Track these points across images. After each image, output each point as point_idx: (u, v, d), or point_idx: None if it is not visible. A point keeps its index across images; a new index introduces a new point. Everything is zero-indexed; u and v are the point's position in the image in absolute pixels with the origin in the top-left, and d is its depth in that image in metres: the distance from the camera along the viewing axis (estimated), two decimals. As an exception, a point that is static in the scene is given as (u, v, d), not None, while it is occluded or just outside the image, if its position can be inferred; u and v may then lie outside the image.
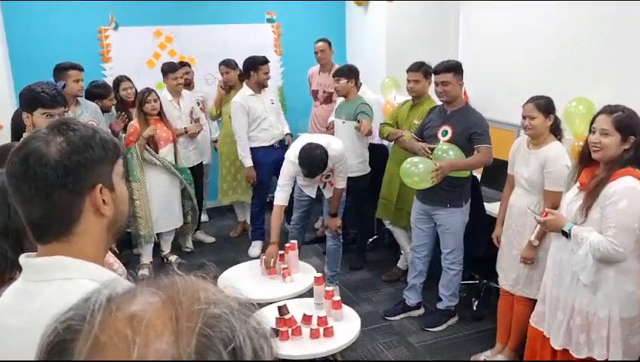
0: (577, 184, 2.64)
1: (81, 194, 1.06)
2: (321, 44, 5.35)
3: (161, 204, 4.66)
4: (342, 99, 4.72)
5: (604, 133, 2.48)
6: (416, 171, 3.57)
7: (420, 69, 4.19)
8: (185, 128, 4.95)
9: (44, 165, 1.01)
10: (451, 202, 3.69)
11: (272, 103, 5.05)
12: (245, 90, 4.91)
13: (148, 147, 4.50)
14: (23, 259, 1.07)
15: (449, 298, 3.90)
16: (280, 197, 3.92)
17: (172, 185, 4.72)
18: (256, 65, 4.85)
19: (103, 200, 1.07)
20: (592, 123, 2.57)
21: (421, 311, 4.09)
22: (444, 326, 3.90)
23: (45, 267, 1.04)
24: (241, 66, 5.15)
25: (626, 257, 2.44)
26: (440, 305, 3.94)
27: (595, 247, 2.44)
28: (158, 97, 4.58)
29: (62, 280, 1.01)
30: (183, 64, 5.40)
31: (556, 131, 3.17)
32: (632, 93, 3.40)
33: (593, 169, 2.57)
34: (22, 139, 1.12)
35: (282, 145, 4.97)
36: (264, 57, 4.94)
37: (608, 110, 2.51)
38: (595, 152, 2.52)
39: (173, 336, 0.47)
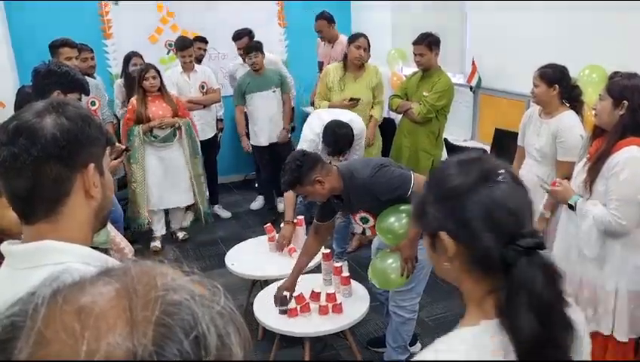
0: (587, 155, 2.57)
1: (73, 169, 1.01)
2: (318, 22, 5.20)
3: (161, 181, 4.61)
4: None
5: (600, 98, 2.42)
6: (388, 270, 2.80)
7: (423, 41, 4.09)
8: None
9: (40, 136, 0.96)
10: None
11: None
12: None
13: (150, 133, 4.49)
14: (5, 246, 1.01)
15: (395, 349, 3.06)
16: None
17: (177, 161, 4.66)
18: None
19: (93, 183, 1.03)
20: None
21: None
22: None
23: (33, 252, 0.98)
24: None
25: (630, 229, 2.36)
26: (385, 356, 3.15)
27: (599, 221, 2.36)
28: (159, 73, 4.51)
29: (52, 265, 0.94)
30: (199, 39, 5.43)
31: (573, 101, 3.06)
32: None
33: (603, 140, 2.48)
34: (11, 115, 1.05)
35: None
36: None
37: (611, 76, 2.45)
38: (595, 118, 2.46)
39: (128, 328, 0.43)
